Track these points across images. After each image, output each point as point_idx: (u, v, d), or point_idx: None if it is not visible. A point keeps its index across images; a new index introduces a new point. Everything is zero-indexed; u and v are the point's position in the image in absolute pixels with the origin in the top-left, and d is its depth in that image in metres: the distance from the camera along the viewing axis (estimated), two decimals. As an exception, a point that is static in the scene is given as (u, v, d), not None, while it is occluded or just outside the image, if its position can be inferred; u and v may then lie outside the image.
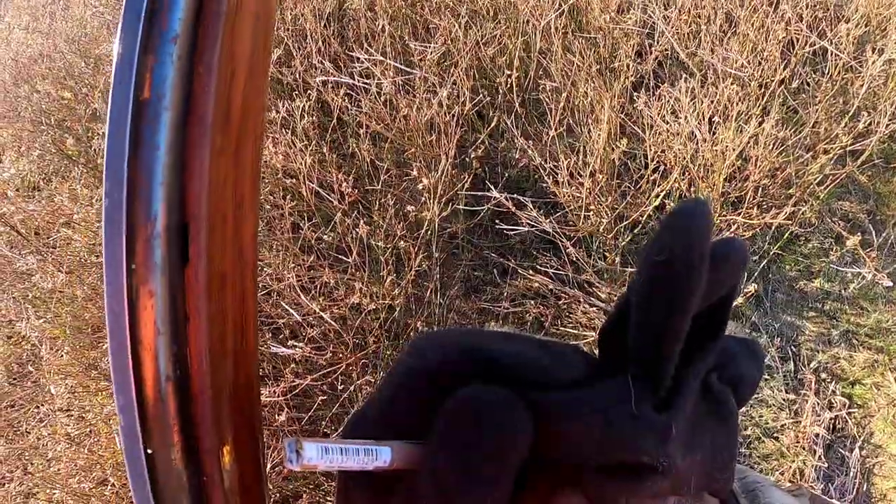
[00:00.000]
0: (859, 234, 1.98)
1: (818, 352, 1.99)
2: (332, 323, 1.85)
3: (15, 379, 2.74)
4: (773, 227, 2.09)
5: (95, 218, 2.57)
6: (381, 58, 2.02)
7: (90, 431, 2.22)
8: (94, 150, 2.74)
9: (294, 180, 1.99)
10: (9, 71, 4.02)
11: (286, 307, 1.90)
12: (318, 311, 1.85)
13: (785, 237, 2.11)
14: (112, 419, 2.12)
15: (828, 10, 2.37)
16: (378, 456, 0.23)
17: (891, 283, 2.01)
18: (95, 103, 2.83)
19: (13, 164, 4.06)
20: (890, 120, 2.00)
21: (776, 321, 2.06)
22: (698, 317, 0.24)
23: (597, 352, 0.28)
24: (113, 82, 0.25)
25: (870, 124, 2.01)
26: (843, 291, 2.08)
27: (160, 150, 0.25)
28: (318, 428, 1.91)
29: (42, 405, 2.47)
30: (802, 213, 2.09)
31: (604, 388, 0.24)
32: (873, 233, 2.13)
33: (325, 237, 1.96)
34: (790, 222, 2.03)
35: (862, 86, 2.08)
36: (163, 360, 0.25)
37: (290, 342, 1.87)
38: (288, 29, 2.26)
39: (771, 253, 2.12)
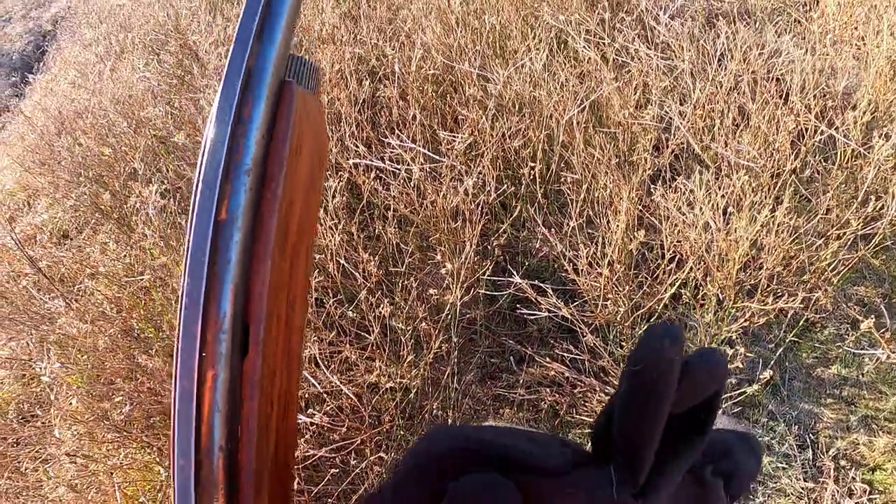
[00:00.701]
0: (874, 317, 1.98)
1: (837, 438, 1.98)
2: (351, 396, 1.90)
3: (23, 418, 2.81)
4: (789, 315, 2.12)
5: (123, 273, 2.66)
6: (412, 145, 2.12)
7: (91, 481, 2.26)
8: (129, 207, 2.84)
9: (322, 256, 2.07)
10: (52, 121, 4.21)
11: (308, 377, 1.96)
12: (338, 383, 1.91)
13: (800, 324, 2.13)
14: (116, 471, 2.17)
15: (836, 99, 2.46)
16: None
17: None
18: (135, 163, 2.95)
19: (46, 209, 4.21)
20: None
21: (793, 409, 2.06)
22: (685, 415, 0.30)
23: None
24: (198, 204, 0.32)
25: (880, 208, 2.06)
26: (860, 377, 2.08)
27: (231, 262, 0.32)
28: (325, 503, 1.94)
29: (47, 447, 2.53)
30: (817, 300, 2.11)
31: (589, 474, 0.30)
32: (888, 316, 2.13)
33: (348, 313, 2.02)
34: (805, 309, 2.06)
35: (871, 171, 2.13)
36: (217, 434, 0.31)
37: (308, 410, 1.92)
38: (323, 110, 2.38)
39: (787, 341, 2.13)
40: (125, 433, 2.28)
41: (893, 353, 2.01)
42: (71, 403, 2.43)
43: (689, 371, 0.28)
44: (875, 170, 2.12)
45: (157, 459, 2.26)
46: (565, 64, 2.39)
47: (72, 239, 3.61)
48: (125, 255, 2.75)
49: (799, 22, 3.22)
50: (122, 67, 3.83)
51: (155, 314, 2.43)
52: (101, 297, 2.59)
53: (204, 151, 0.33)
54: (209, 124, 0.32)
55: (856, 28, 3.00)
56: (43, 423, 2.64)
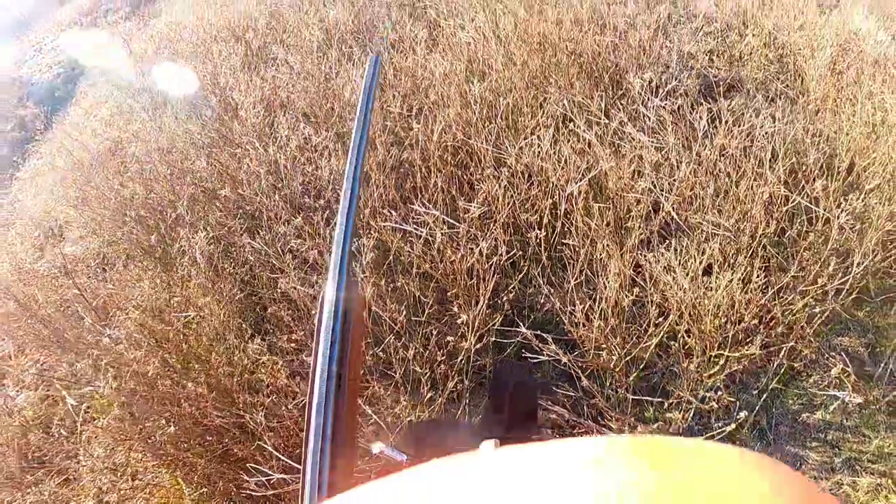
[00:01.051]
0: (858, 365, 2.21)
1: (822, 479, 2.13)
2: (381, 422, 2.21)
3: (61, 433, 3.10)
4: (775, 364, 2.35)
5: (164, 307, 2.96)
6: (434, 211, 2.45)
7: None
8: (175, 251, 3.13)
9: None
10: (89, 157, 4.51)
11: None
12: (369, 412, 2.22)
13: (783, 372, 2.36)
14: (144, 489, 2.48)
15: (806, 169, 2.76)
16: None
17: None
18: (179, 209, 3.25)
19: (78, 241, 4.51)
20: (862, 258, 2.30)
21: (780, 452, 2.23)
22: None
23: None
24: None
25: (848, 265, 2.32)
26: (844, 421, 2.25)
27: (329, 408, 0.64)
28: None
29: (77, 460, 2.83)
30: (800, 351, 2.37)
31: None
32: (872, 364, 2.33)
33: (378, 353, 2.34)
34: (790, 359, 2.31)
35: (840, 231, 2.40)
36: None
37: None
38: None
39: (772, 388, 2.35)
40: (161, 452, 2.58)
41: (859, 396, 2.23)
42: (102, 423, 2.73)
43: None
44: (846, 230, 2.40)
45: (185, 478, 2.55)
46: (569, 140, 2.74)
47: (107, 271, 3.91)
48: (166, 293, 3.04)
49: (785, 93, 3.57)
50: (167, 115, 4.15)
51: (196, 348, 2.72)
52: (146, 329, 2.89)
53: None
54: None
55: (835, 99, 3.35)
56: (77, 438, 2.95)
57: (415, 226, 2.50)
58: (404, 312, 2.33)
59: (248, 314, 2.84)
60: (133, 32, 7.52)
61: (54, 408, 3.52)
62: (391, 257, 2.53)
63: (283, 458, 2.23)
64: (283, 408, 2.38)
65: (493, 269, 2.35)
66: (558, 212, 2.59)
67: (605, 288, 2.35)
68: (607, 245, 2.43)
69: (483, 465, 0.35)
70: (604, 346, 2.33)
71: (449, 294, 2.45)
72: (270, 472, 2.18)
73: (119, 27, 8.76)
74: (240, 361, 2.53)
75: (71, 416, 3.23)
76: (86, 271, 4.10)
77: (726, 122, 2.82)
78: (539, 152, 2.64)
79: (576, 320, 2.33)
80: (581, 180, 2.55)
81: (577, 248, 2.45)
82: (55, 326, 3.73)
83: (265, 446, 2.37)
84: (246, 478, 2.20)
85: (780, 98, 3.48)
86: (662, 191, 2.65)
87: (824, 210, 2.54)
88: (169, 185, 3.47)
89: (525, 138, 2.73)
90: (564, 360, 2.25)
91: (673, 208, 2.63)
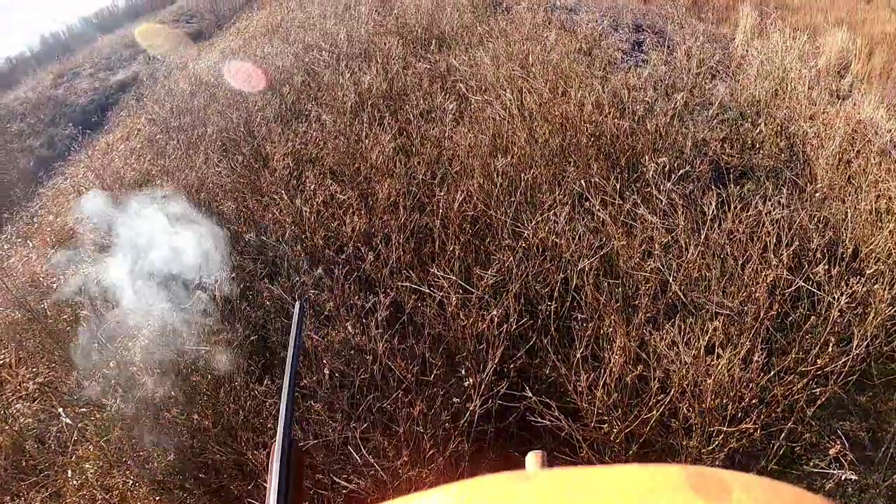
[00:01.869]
0: (860, 449, 2.26)
1: None
2: (381, 472, 2.26)
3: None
4: (775, 447, 2.39)
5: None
6: (452, 277, 2.57)
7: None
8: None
9: (369, 358, 2.48)
10: (115, 182, 4.66)
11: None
12: (372, 461, 2.28)
13: (782, 454, 2.40)
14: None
15: (808, 254, 2.87)
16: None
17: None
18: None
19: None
20: (861, 341, 2.36)
21: None
22: None
23: None
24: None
25: (849, 348, 2.38)
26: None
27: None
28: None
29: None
30: (800, 433, 2.42)
31: None
32: (873, 449, 2.37)
33: (386, 407, 2.42)
34: (790, 441, 2.35)
35: (840, 316, 2.47)
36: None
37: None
38: (377, 235, 2.86)
39: (769, 469, 2.37)
40: (158, 479, 2.64)
41: (880, 484, 2.27)
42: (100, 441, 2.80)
43: None
44: (846, 316, 2.48)
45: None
46: (583, 217, 2.87)
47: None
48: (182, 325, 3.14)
49: (794, 180, 3.72)
50: (197, 155, 4.31)
51: (203, 383, 2.80)
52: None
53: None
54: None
55: (842, 187, 3.49)
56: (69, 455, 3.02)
57: (431, 288, 2.61)
58: (415, 370, 2.42)
59: (258, 357, 2.93)
60: (174, 72, 7.82)
61: (50, 422, 3.57)
62: (405, 317, 2.63)
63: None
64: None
65: (502, 336, 2.44)
66: (569, 286, 2.70)
67: (611, 362, 2.44)
68: (615, 320, 2.53)
69: (533, 486, 0.34)
70: (605, 417, 2.39)
71: (457, 357, 2.53)
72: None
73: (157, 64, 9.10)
74: (245, 403, 2.60)
75: (65, 433, 3.28)
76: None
77: (735, 207, 2.95)
78: (555, 228, 2.76)
79: (580, 390, 2.40)
80: (593, 257, 2.66)
81: (585, 322, 2.54)
82: (63, 341, 3.82)
83: (262, 485, 2.43)
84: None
85: (789, 185, 3.62)
86: (670, 271, 2.76)
87: (826, 294, 2.62)
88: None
89: (542, 214, 2.86)
90: (566, 426, 2.32)
91: (680, 288, 2.73)
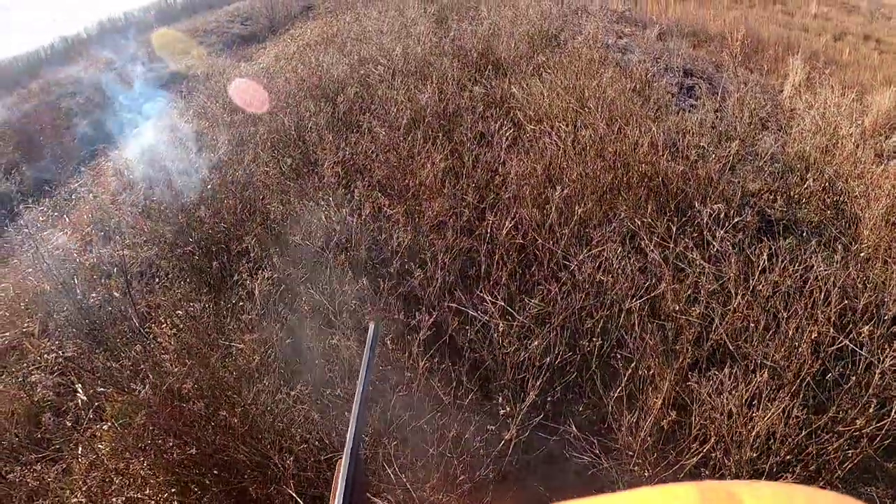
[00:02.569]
0: None
1: None
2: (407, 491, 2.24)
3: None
4: None
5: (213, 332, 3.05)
6: (499, 301, 2.55)
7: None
8: (232, 282, 3.23)
9: (409, 375, 2.47)
10: (157, 173, 4.72)
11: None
12: (405, 482, 2.25)
13: None
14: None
15: (855, 312, 2.81)
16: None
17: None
18: (248, 242, 3.37)
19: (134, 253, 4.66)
20: None
21: None
22: None
23: None
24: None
25: (886, 411, 2.34)
26: None
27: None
28: None
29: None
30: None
31: None
32: None
33: (423, 426, 2.40)
34: None
35: (880, 378, 2.43)
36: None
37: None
38: (424, 253, 2.86)
39: None
40: (177, 470, 2.62)
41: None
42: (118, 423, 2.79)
43: None
44: (886, 378, 2.43)
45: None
46: (632, 256, 2.84)
47: (156, 279, 4.04)
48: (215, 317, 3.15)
49: (839, 239, 3.66)
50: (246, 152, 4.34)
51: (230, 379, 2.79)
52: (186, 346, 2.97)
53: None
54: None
55: (887, 248, 3.43)
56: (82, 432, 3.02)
57: (478, 311, 2.60)
58: (451, 392, 2.40)
59: (293, 362, 2.92)
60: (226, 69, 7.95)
61: (67, 397, 3.59)
62: (445, 337, 2.61)
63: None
64: (311, 459, 2.42)
65: (544, 367, 2.42)
66: (613, 323, 2.67)
67: (650, 404, 2.40)
68: (657, 362, 2.49)
69: None
70: (638, 461, 2.35)
71: (494, 384, 2.51)
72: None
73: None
74: (275, 406, 2.59)
75: (81, 409, 3.30)
76: (136, 277, 4.22)
77: (782, 260, 2.91)
78: (604, 265, 2.74)
79: (619, 428, 2.37)
80: (641, 298, 2.64)
81: (629, 360, 2.51)
82: (94, 319, 3.85)
83: (283, 490, 2.41)
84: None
85: (834, 242, 3.57)
86: (716, 318, 2.72)
87: (869, 355, 2.58)
88: (237, 219, 3.63)
89: (590, 249, 2.84)
90: (604, 465, 2.29)
91: (724, 336, 2.69)
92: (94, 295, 4.32)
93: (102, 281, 4.50)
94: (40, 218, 6.83)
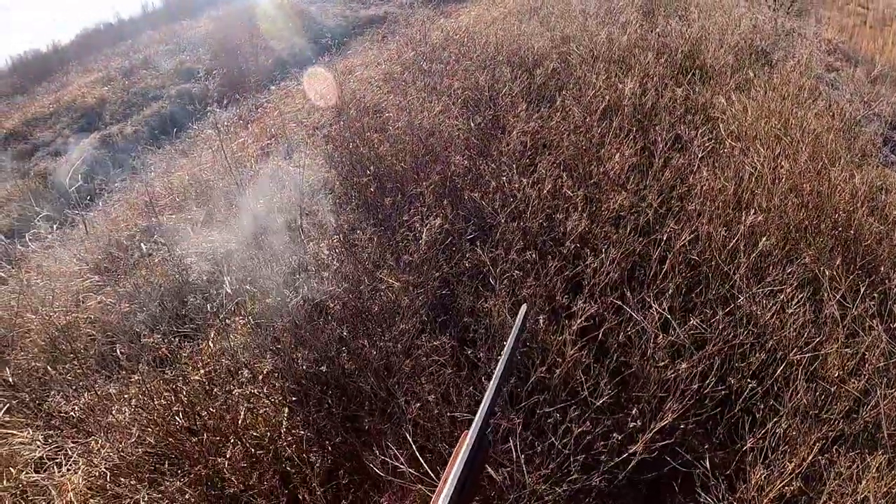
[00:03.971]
0: None
1: None
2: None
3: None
4: None
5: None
6: (664, 313, 2.51)
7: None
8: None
9: (559, 359, 2.50)
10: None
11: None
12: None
13: None
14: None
15: None
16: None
17: None
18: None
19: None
20: None
21: None
22: None
23: None
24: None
25: None
26: None
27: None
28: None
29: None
30: None
31: None
32: None
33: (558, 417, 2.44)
34: None
35: None
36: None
37: None
38: (598, 243, 2.83)
39: None
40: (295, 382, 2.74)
41: None
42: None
43: None
44: None
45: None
46: (807, 304, 2.69)
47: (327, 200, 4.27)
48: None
49: None
50: (437, 103, 4.46)
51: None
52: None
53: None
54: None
55: None
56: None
57: (639, 316, 2.58)
58: (596, 391, 2.41)
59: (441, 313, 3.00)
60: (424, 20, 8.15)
61: (216, 285, 3.83)
62: (599, 333, 2.60)
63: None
64: (434, 411, 2.49)
65: (688, 394, 2.37)
66: (768, 370, 2.56)
67: (782, 466, 2.30)
68: (804, 424, 2.37)
69: None
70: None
71: (634, 392, 2.49)
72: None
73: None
74: (415, 350, 2.68)
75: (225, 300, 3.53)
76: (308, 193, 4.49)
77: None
78: (777, 305, 2.63)
79: (746, 479, 2.29)
80: (806, 352, 2.50)
81: (774, 412, 2.41)
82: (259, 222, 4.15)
83: (398, 431, 2.51)
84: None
85: None
86: (877, 397, 2.54)
87: None
88: (417, 162, 3.75)
89: (765, 287, 2.73)
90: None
91: (883, 416, 2.51)
92: (261, 201, 4.66)
93: (274, 189, 4.83)
94: (225, 124, 7.40)
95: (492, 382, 1.02)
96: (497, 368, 1.04)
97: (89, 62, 14.36)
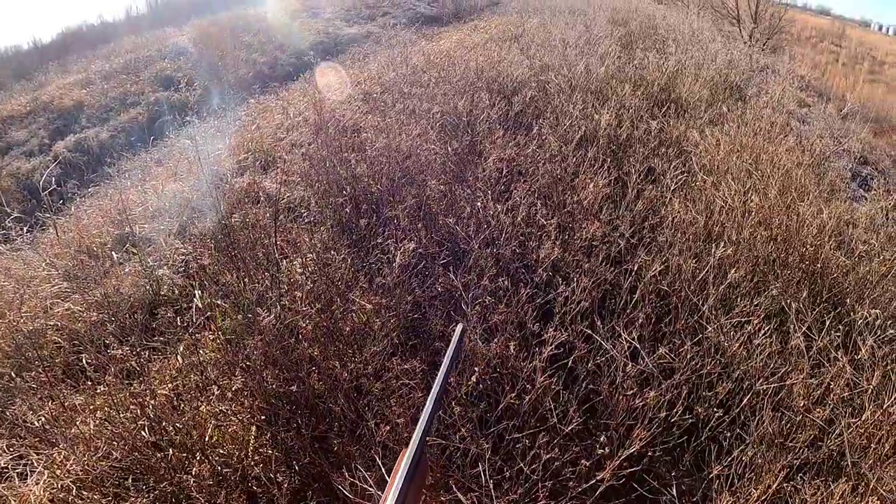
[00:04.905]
0: None
1: None
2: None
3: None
4: None
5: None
6: (633, 342, 2.54)
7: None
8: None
9: (528, 385, 2.51)
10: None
11: None
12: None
13: None
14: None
15: None
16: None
17: None
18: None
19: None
20: None
21: None
22: None
23: None
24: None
25: None
26: None
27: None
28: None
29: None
30: None
31: None
32: None
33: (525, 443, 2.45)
34: None
35: None
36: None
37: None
38: (569, 272, 2.87)
39: None
40: None
41: None
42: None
43: None
44: None
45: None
46: (773, 336, 2.75)
47: (300, 219, 4.26)
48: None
49: None
50: (415, 126, 4.50)
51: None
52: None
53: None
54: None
55: None
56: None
57: (608, 345, 2.60)
58: (563, 416, 2.42)
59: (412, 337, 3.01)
60: (407, 43, 8.24)
61: (186, 299, 3.78)
62: (569, 360, 2.62)
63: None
64: (405, 434, 2.49)
65: (655, 423, 2.39)
66: (735, 399, 2.60)
67: (747, 494, 2.33)
68: (769, 452, 2.41)
69: None
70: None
71: (602, 419, 2.51)
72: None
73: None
74: (384, 373, 2.67)
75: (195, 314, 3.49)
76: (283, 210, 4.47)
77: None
78: (744, 336, 2.68)
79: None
80: (772, 382, 2.55)
81: (739, 440, 2.44)
82: (233, 237, 4.10)
83: (366, 453, 2.50)
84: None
85: None
86: (840, 427, 2.59)
87: None
88: (393, 185, 3.76)
89: (732, 318, 2.78)
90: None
91: (846, 447, 2.56)
92: (235, 216, 4.62)
93: (248, 205, 4.79)
94: (210, 130, 7.32)
95: (428, 402, 1.02)
96: (434, 387, 1.04)
97: (69, 63, 14.23)
